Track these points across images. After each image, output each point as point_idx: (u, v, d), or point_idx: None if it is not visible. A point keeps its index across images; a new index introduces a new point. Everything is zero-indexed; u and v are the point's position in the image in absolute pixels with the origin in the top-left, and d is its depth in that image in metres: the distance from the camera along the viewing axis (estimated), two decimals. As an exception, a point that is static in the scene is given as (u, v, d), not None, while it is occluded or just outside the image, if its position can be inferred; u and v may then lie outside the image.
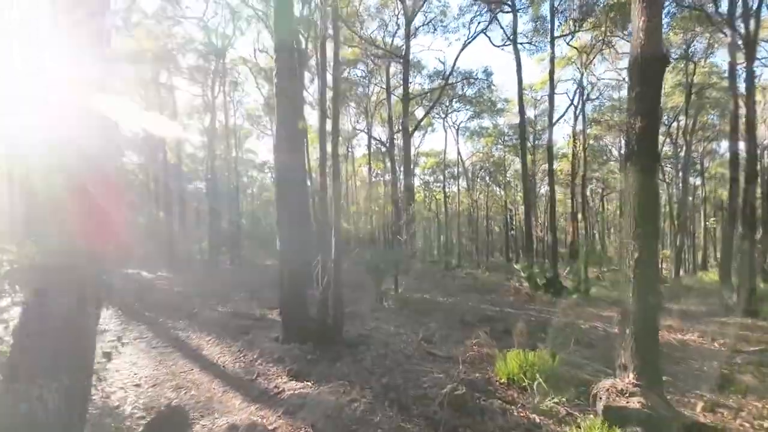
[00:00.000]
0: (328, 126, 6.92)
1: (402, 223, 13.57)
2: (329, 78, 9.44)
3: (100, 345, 6.45)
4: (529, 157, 21.59)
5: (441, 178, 37.79)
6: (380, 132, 31.75)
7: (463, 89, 24.28)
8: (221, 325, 7.43)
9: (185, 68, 21.96)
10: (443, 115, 26.88)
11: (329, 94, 8.77)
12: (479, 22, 17.01)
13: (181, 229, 26.02)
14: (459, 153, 28.42)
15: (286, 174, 5.95)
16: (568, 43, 16.49)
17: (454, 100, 26.41)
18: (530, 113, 26.30)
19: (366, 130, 25.18)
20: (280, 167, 6.04)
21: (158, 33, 18.36)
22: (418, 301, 11.31)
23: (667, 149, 23.50)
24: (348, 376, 4.81)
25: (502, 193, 31.09)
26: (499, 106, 27.91)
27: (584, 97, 19.73)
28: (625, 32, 15.28)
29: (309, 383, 4.60)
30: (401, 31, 19.62)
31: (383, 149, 25.46)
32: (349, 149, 35.88)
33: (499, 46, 17.33)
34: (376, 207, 26.83)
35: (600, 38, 15.61)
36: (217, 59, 21.50)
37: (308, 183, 15.27)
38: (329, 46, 8.15)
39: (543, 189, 33.83)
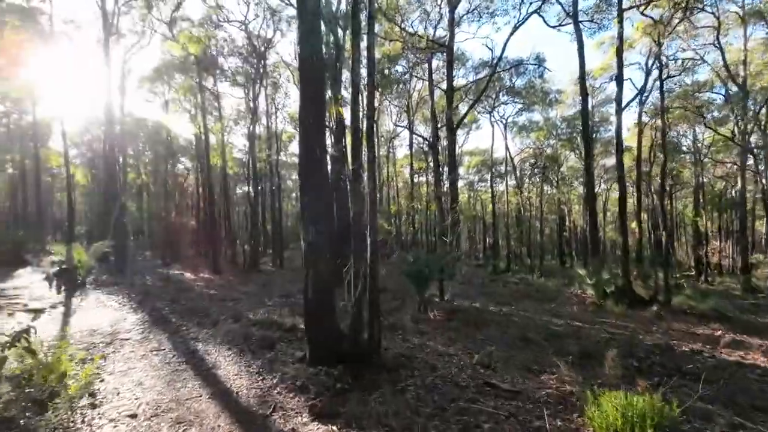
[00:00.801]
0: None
1: (447, 224, 12.24)
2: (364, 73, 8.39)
3: (122, 354, 5.88)
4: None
5: (486, 177, 35.79)
6: (422, 130, 30.50)
7: (511, 80, 22.46)
8: (245, 336, 6.57)
9: (228, 71, 22.04)
10: (489, 110, 25.10)
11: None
12: (531, 2, 15.28)
13: (227, 231, 26.28)
14: (507, 149, 26.45)
15: (310, 166, 4.94)
16: (642, 12, 14.26)
17: (502, 92, 24.62)
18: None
19: (408, 128, 23.99)
20: (303, 159, 5.03)
21: (201, 37, 18.38)
22: (468, 310, 9.93)
23: (756, 138, 20.17)
24: (386, 418, 3.67)
25: (554, 191, 28.58)
26: (551, 96, 25.70)
27: (662, 76, 17.16)
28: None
29: (335, 428, 3.51)
30: (444, 22, 18.33)
31: (425, 147, 24.16)
32: (391, 149, 34.96)
33: (554, 27, 15.44)
34: (419, 206, 25.46)
35: (681, 4, 13.26)
36: (258, 61, 21.37)
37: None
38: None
39: (599, 187, 30.88)
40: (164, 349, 5.89)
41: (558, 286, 16.48)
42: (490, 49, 26.35)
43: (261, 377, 4.75)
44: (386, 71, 21.14)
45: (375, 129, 5.35)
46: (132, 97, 40.65)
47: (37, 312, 8.46)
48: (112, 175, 17.71)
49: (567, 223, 34.50)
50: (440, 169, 17.71)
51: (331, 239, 5.22)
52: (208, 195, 20.84)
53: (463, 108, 23.22)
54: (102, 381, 4.73)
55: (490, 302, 12.00)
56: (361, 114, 5.85)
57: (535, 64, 19.04)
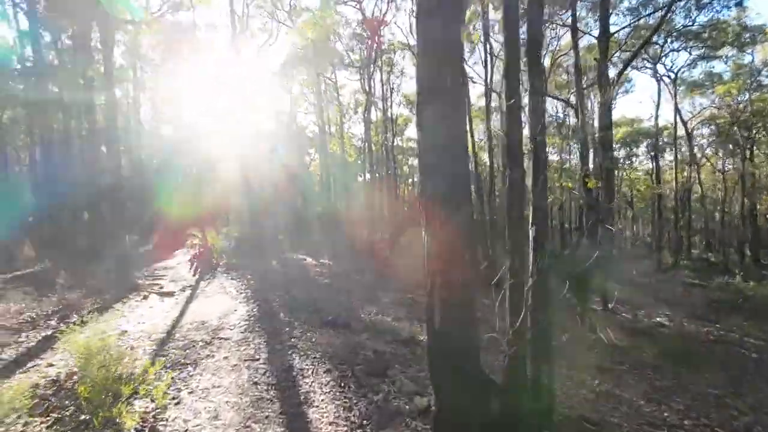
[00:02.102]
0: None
1: (610, 206, 9.05)
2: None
3: (214, 362, 4.95)
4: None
5: (636, 151, 28.77)
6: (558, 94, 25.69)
7: (690, 16, 16.71)
8: (352, 348, 5.11)
9: (344, 54, 21.51)
10: (652, 62, 19.30)
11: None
12: None
13: (347, 216, 26.50)
14: (677, 111, 20.06)
15: (438, 148, 2.97)
16: None
17: (671, 37, 18.70)
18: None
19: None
20: (424, 137, 3.08)
21: (318, 20, 17.97)
22: (654, 331, 6.85)
23: None
24: None
25: (748, 166, 20.95)
26: (747, 36, 18.57)
27: None
28: None
29: None
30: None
31: (562, 115, 19.96)
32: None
33: None
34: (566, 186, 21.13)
35: None
36: (372, 41, 20.25)
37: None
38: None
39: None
40: (258, 360, 4.77)
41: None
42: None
43: (362, 440, 3.10)
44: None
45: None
46: (264, 93, 44.19)
47: (166, 296, 8.63)
48: (246, 166, 18.82)
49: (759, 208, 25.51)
50: (589, 139, 13.92)
51: (470, 226, 3.16)
52: (326, 180, 20.86)
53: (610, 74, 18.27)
54: (177, 404, 3.69)
55: (678, 315, 8.47)
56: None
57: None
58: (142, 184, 26.26)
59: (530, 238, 3.08)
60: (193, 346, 5.23)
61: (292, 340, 5.52)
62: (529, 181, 3.15)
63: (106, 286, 8.27)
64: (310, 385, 4.08)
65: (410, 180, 50.95)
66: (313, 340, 5.60)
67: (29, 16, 12.27)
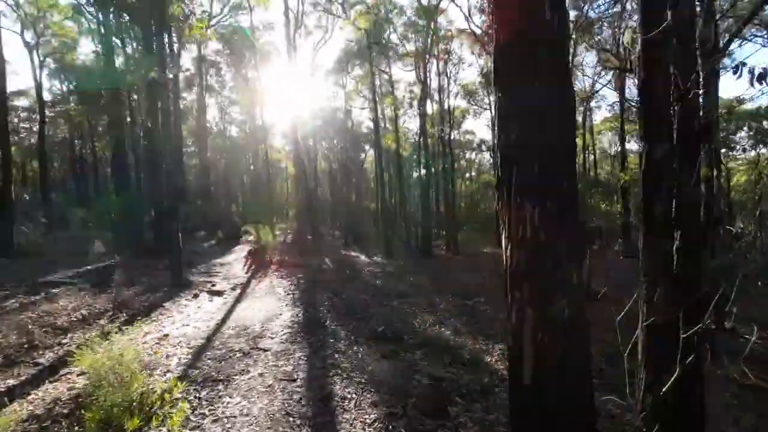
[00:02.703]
0: None
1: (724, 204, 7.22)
2: None
3: (247, 380, 4.31)
4: None
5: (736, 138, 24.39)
6: (631, 83, 22.55)
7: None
8: (404, 373, 4.26)
9: (398, 45, 20.64)
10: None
11: None
12: None
13: (400, 214, 25.73)
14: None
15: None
16: None
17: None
18: None
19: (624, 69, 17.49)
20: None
21: (370, 8, 17.29)
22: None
23: None
24: None
25: None
26: None
27: None
28: None
29: None
30: None
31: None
32: (586, 112, 27.81)
33: None
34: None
35: None
36: (427, 28, 19.13)
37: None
38: None
39: None
40: (295, 381, 4.10)
41: None
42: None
43: None
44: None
45: None
46: (319, 91, 44.86)
47: (216, 294, 8.44)
48: (302, 164, 18.81)
49: None
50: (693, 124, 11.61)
51: (578, 229, 2.10)
52: (380, 177, 20.20)
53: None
54: (197, 436, 3.11)
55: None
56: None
57: None
58: (208, 183, 27.75)
59: (674, 252, 1.98)
60: (230, 357, 4.72)
61: (336, 356, 4.80)
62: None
63: (161, 284, 8.27)
64: (351, 423, 3.29)
65: (468, 175, 49.02)
66: (360, 356, 4.84)
67: (104, 23, 12.98)
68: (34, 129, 33.66)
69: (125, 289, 7.39)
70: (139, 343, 5.07)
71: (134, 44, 16.18)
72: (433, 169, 23.14)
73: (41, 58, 20.89)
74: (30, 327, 5.17)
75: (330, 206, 33.97)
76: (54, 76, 24.37)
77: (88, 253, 10.43)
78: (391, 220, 20.52)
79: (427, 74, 19.49)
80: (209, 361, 4.60)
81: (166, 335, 5.41)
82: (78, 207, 21.16)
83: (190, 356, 4.73)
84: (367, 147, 36.89)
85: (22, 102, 29.36)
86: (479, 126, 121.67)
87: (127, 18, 12.74)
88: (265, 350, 4.95)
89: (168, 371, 4.28)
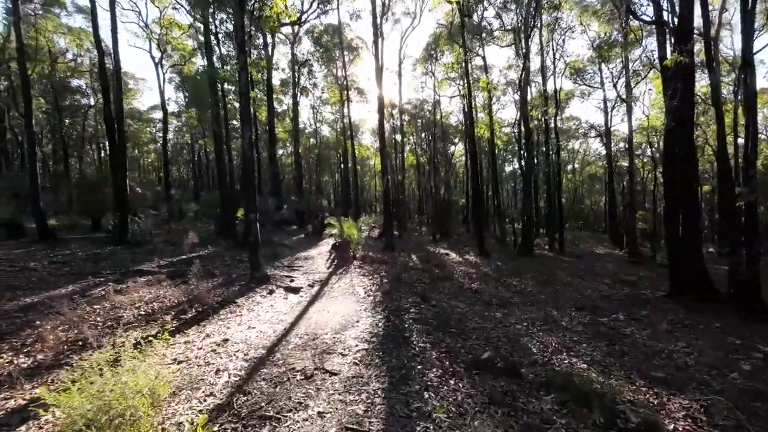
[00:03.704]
0: None
1: None
2: None
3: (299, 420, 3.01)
4: None
5: None
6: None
7: None
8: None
9: (493, 20, 18.31)
10: None
11: None
12: None
13: (495, 208, 23.24)
14: None
15: None
16: None
17: None
18: None
19: None
20: None
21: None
22: None
23: None
24: None
25: None
26: None
27: None
28: None
29: None
30: None
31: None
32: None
33: None
34: None
35: None
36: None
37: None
38: None
39: None
40: (366, 434, 2.77)
41: None
42: None
43: None
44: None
45: None
46: (408, 83, 43.86)
47: (292, 292, 7.66)
48: (388, 158, 17.81)
49: None
50: None
51: None
52: (472, 169, 18.14)
53: None
54: None
55: None
56: None
57: None
58: (301, 179, 28.64)
59: None
60: (288, 379, 3.61)
61: (426, 395, 3.35)
62: None
63: (240, 277, 7.79)
64: None
65: (570, 167, 43.44)
66: (458, 397, 3.33)
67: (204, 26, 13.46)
68: (169, 136, 39.04)
69: (203, 282, 6.98)
70: (194, 349, 4.30)
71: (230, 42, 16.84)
72: (536, 160, 20.19)
73: (164, 71, 23.48)
74: (94, 320, 4.79)
75: (417, 201, 32.68)
76: (179, 89, 27.45)
77: (181, 243, 10.70)
78: (484, 215, 18.27)
79: (529, 48, 16.78)
80: (263, 383, 3.54)
81: (227, 340, 4.57)
82: (193, 202, 23.37)
83: (243, 372, 3.74)
84: (455, 139, 34.77)
85: (158, 114, 34.22)
86: (585, 110, 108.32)
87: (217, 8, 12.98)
88: (332, 373, 3.74)
89: (211, 394, 3.31)
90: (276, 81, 31.86)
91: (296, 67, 26.74)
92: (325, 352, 4.26)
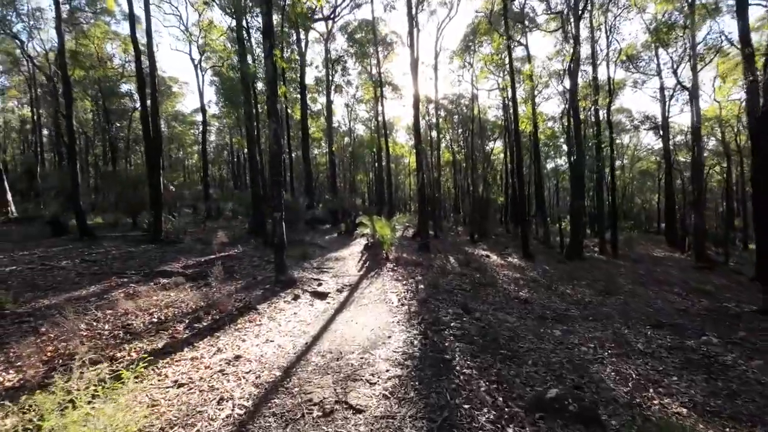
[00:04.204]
0: None
1: None
2: None
3: None
4: None
5: None
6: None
7: None
8: None
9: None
10: None
11: None
12: None
13: (538, 206, 21.66)
14: None
15: None
16: None
17: None
18: None
19: None
20: None
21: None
22: None
23: None
24: None
25: None
26: None
27: None
28: None
29: None
30: None
31: None
32: None
33: None
34: None
35: None
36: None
37: None
38: None
39: None
40: None
41: None
42: None
43: None
44: None
45: None
46: (444, 76, 42.47)
47: (319, 297, 7.02)
48: (423, 155, 16.92)
49: None
50: None
51: None
52: (517, 164, 16.82)
53: None
54: None
55: None
56: None
57: None
58: (335, 178, 28.32)
59: None
60: (303, 416, 2.90)
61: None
62: None
63: (264, 279, 7.26)
64: None
65: (618, 163, 40.32)
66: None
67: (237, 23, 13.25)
68: (211, 138, 40.30)
69: (225, 285, 6.51)
70: (200, 367, 3.72)
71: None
72: (588, 155, 18.47)
73: (203, 73, 23.93)
74: (101, 327, 4.35)
75: (453, 199, 31.44)
76: (218, 91, 28.02)
77: (212, 242, 10.44)
78: (527, 214, 16.86)
79: (579, 31, 15.22)
80: (271, 419, 2.86)
81: (239, 356, 3.96)
82: (230, 201, 23.65)
83: (250, 403, 3.09)
84: (494, 135, 33.13)
85: (201, 116, 35.34)
86: (636, 101, 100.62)
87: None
88: (356, 410, 2.99)
89: (206, 435, 2.66)
90: (311, 80, 31.84)
91: (330, 65, 26.42)
92: (349, 378, 3.53)
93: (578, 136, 15.07)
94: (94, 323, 4.54)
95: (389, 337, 4.64)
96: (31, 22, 20.69)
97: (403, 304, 6.12)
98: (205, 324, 4.84)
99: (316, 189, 24.42)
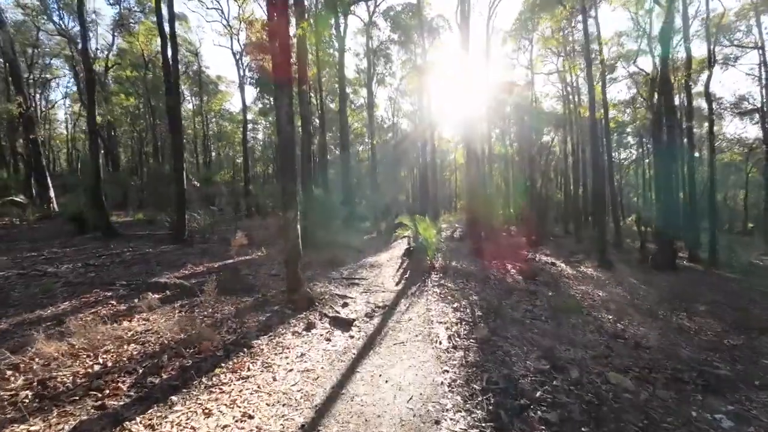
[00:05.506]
0: None
1: None
2: None
3: None
4: None
5: None
6: None
7: None
8: None
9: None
10: None
11: None
12: None
13: (612, 205, 18.52)
14: None
15: None
16: None
17: None
18: None
19: None
20: None
21: None
22: None
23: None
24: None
25: None
26: None
27: None
28: None
29: None
30: None
31: None
32: None
33: None
34: None
35: None
36: None
37: None
38: None
39: None
40: None
41: None
42: None
43: None
44: None
45: None
46: (496, 61, 39.31)
47: (340, 327, 5.27)
48: (473, 148, 14.73)
49: None
50: None
51: None
52: (593, 154, 14.08)
53: None
54: None
55: None
56: None
57: None
58: (376, 175, 26.73)
59: None
60: None
61: None
62: None
63: (274, 298, 5.68)
64: None
65: (696, 155, 34.90)
66: None
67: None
68: (258, 137, 40.52)
69: (223, 305, 5.01)
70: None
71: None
72: (672, 140, 15.19)
73: (244, 67, 23.33)
74: (9, 386, 2.93)
75: (504, 196, 28.60)
76: (256, 84, 27.54)
77: (227, 243, 9.17)
78: (602, 214, 14.02)
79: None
80: None
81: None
82: (269, 197, 22.90)
83: None
84: (549, 126, 29.69)
85: (248, 115, 35.43)
86: (719, 85, 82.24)
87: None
88: None
89: None
90: (351, 73, 30.44)
91: (372, 55, 24.79)
92: None
93: (670, 116, 12.07)
94: (8, 373, 3.14)
95: (437, 422, 2.78)
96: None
97: (455, 347, 4.21)
98: (164, 377, 3.28)
99: (357, 185, 22.97)
